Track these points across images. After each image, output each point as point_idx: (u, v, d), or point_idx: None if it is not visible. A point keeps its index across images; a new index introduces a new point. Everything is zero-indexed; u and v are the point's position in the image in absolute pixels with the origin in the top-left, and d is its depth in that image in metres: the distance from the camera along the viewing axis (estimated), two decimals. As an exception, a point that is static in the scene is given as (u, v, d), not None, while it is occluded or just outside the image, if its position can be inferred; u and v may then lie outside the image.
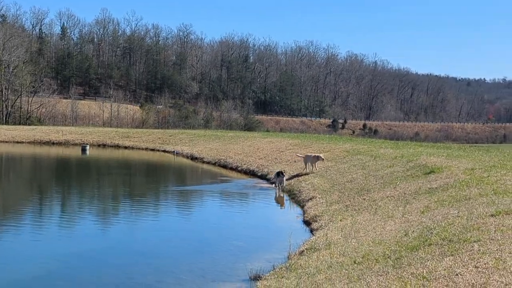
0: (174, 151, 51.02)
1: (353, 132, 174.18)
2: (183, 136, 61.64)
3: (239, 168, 35.80)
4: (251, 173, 33.41)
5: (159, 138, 63.06)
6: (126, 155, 53.40)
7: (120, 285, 11.73)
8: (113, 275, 12.55)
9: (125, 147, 59.94)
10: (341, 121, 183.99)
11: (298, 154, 31.48)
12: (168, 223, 19.59)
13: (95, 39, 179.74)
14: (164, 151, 54.38)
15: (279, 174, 26.18)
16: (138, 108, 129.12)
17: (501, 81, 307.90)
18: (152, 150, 56.74)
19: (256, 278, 11.41)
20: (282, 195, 24.89)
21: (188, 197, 26.28)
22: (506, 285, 7.20)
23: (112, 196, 27.33)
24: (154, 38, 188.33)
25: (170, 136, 63.63)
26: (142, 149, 58.05)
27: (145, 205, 23.83)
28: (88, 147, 54.69)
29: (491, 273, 7.76)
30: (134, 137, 65.57)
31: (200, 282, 11.84)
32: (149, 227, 18.71)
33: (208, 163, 41.33)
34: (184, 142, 57.26)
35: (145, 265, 13.29)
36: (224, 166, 38.20)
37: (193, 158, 45.50)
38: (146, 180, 34.59)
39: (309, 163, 28.19)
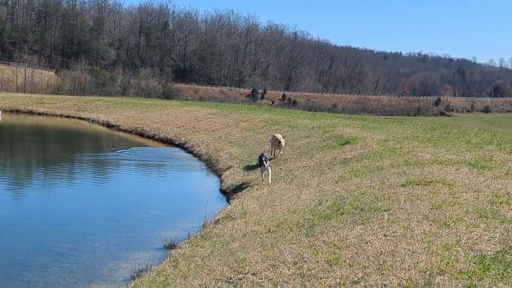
0: (89, 118, 49.96)
1: (273, 102, 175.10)
2: (99, 103, 60.40)
3: (156, 137, 35.48)
4: (169, 142, 33.18)
5: (75, 104, 61.58)
6: (40, 122, 51.99)
7: (31, 253, 11.50)
8: (25, 242, 12.29)
9: (39, 114, 58.27)
10: (260, 91, 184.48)
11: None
12: (83, 191, 19.26)
13: (9, 1, 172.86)
14: (80, 118, 53.16)
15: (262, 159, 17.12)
16: (54, 74, 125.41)
17: (417, 55, 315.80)
18: (67, 117, 55.37)
19: (171, 246, 11.39)
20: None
21: (104, 166, 25.88)
22: (413, 252, 7.44)
23: (26, 163, 26.62)
24: (71, 2, 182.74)
25: (86, 103, 62.24)
26: (57, 115, 56.56)
27: (59, 173, 23.33)
28: (0, 113, 52.88)
29: (399, 241, 8.00)
30: (49, 104, 63.80)
31: (114, 250, 11.73)
32: (63, 195, 18.36)
33: (125, 131, 40.73)
34: (100, 109, 56.12)
35: (58, 233, 13.07)
36: (141, 134, 37.75)
37: (109, 125, 44.71)
38: (61, 148, 33.82)
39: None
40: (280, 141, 20.72)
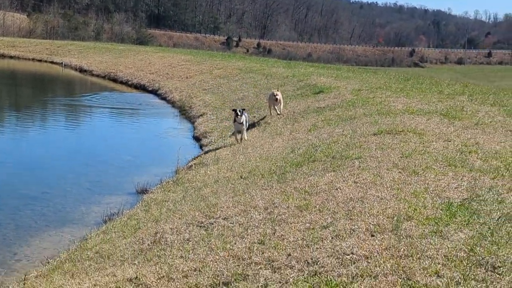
0: (62, 63, 49.27)
1: (247, 50, 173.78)
2: (72, 48, 59.52)
3: (129, 83, 35.17)
4: (142, 88, 32.94)
5: (47, 49, 60.63)
6: (11, 65, 51.20)
7: (3, 196, 11.49)
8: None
9: (11, 57, 57.32)
10: (235, 39, 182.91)
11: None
12: (55, 136, 19.14)
13: None
14: (52, 62, 52.37)
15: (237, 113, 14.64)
16: (26, 17, 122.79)
17: (392, 5, 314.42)
18: (39, 61, 54.54)
19: (143, 191, 11.43)
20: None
21: (76, 110, 25.68)
22: (382, 199, 7.56)
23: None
24: None
25: (58, 47, 61.29)
26: (29, 59, 55.69)
27: (31, 117, 23.14)
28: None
29: (369, 188, 8.11)
30: (21, 47, 62.73)
31: (86, 194, 11.75)
32: (35, 139, 18.24)
33: (98, 76, 40.29)
34: (73, 54, 55.32)
35: (29, 177, 13.03)
36: (114, 80, 37.38)
37: (82, 70, 44.16)
38: (33, 92, 33.40)
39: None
40: (276, 97, 17.30)
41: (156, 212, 9.37)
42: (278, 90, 17.90)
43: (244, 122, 14.58)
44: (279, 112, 17.60)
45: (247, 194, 9.02)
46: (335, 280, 5.20)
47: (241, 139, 14.59)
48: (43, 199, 11.31)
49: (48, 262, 8.00)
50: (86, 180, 12.77)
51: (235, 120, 14.45)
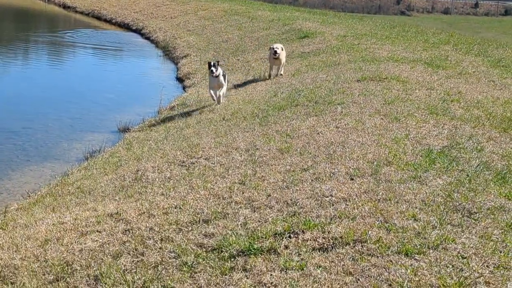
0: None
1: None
2: (55, -17, 58.28)
3: (113, 21, 34.62)
4: (126, 27, 32.47)
5: (29, -17, 59.32)
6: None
7: (-17, 132, 11.41)
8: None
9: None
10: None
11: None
12: (37, 72, 18.93)
13: None
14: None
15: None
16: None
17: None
18: (22, -5, 53.42)
19: (125, 130, 11.41)
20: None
21: (59, 47, 25.34)
22: (363, 144, 7.61)
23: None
24: None
25: (41, -18, 59.99)
26: (11, -6, 54.51)
27: (14, 52, 22.78)
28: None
29: (350, 133, 8.16)
30: (2, -19, 61.29)
31: (68, 131, 11.72)
32: (17, 74, 18.06)
33: (81, 13, 39.56)
34: (56, -11, 54.20)
35: (11, 112, 12.96)
36: (98, 18, 36.76)
37: (65, 6, 43.29)
38: (16, 27, 32.81)
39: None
40: (276, 51, 13.97)
41: (138, 150, 9.39)
42: (279, 45, 14.36)
43: (221, 77, 12.01)
44: (281, 73, 14.50)
45: (229, 135, 9.05)
46: (313, 221, 5.27)
47: (219, 97, 12.06)
48: (24, 134, 11.26)
49: (29, 196, 8.03)
50: (68, 117, 12.71)
51: (211, 73, 11.88)
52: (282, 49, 14.17)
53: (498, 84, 11.67)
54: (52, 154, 10.30)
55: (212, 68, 11.76)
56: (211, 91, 12.04)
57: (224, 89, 12.21)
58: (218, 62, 12.24)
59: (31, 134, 11.26)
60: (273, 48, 13.98)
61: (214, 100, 12.08)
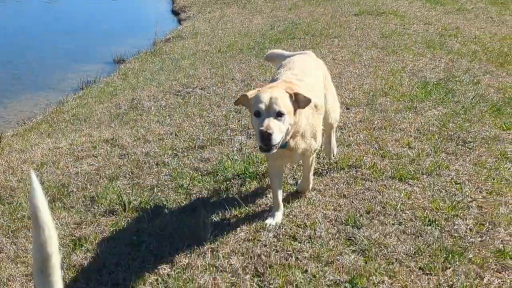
0: None
1: None
2: None
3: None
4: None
5: None
6: None
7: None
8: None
9: None
10: None
11: None
12: (32, 3, 18.59)
13: None
14: None
15: None
16: None
17: None
18: None
19: (120, 61, 11.30)
20: None
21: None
22: (359, 75, 7.60)
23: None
24: None
25: None
26: None
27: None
28: None
29: (347, 65, 8.13)
30: None
31: (63, 62, 11.59)
32: (11, 6, 17.73)
33: None
34: None
35: (5, 43, 12.82)
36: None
37: None
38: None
39: None
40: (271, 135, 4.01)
41: (133, 80, 9.33)
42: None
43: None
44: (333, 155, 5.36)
45: (224, 67, 8.99)
46: (309, 147, 5.29)
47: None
48: (19, 64, 11.14)
49: (24, 123, 8.01)
50: (62, 48, 12.56)
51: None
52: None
53: (496, 20, 11.56)
54: (47, 84, 10.22)
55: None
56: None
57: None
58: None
59: (26, 65, 11.14)
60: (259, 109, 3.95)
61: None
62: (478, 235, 3.87)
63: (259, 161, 5.09)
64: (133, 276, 3.61)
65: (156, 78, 9.06)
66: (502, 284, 3.38)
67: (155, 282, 3.53)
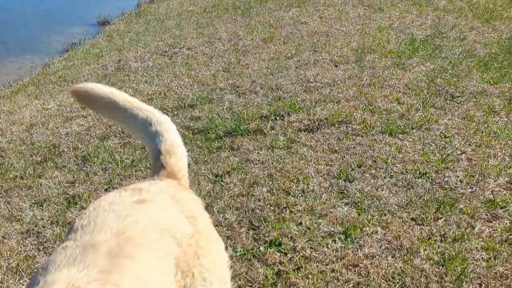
0: None
1: None
2: None
3: None
4: None
5: None
6: None
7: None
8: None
9: None
10: None
11: None
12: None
13: None
14: None
15: None
16: None
17: None
18: None
19: (105, 23, 11.16)
20: None
21: None
22: (346, 33, 7.60)
23: None
24: None
25: None
26: None
27: None
28: None
29: (334, 23, 8.12)
30: None
31: (47, 24, 11.41)
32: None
33: None
34: None
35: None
36: None
37: None
38: None
39: None
40: None
41: (118, 41, 9.25)
42: None
43: None
44: None
45: (211, 26, 8.95)
46: (298, 104, 5.32)
47: None
48: (2, 27, 11.00)
49: (11, 86, 7.93)
50: (45, 10, 12.39)
51: None
52: None
53: (481, -23, 11.55)
54: (32, 47, 10.09)
55: None
56: None
57: None
58: None
59: (9, 27, 11.00)
60: None
61: None
62: (469, 186, 3.93)
63: (250, 119, 5.10)
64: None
65: (141, 39, 9.00)
66: (493, 233, 3.44)
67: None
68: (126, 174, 4.36)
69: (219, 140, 4.80)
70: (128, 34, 9.71)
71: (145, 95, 6.10)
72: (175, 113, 5.48)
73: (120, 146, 4.88)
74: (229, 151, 4.59)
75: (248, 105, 5.46)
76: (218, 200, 3.87)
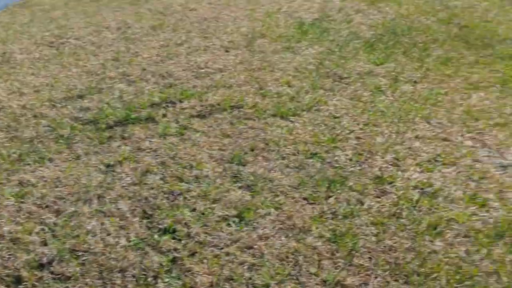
0: None
1: None
2: None
3: None
4: None
5: None
6: None
7: None
8: None
9: None
10: None
11: None
12: None
13: None
14: None
15: None
16: None
17: None
18: None
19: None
20: None
21: None
22: (236, 19, 7.63)
23: None
24: None
25: None
26: None
27: None
28: None
29: (223, 9, 8.14)
30: None
31: None
32: None
33: None
34: None
35: None
36: None
37: None
38: None
39: None
40: None
41: (2, 34, 8.87)
42: None
43: None
44: None
45: (98, 15, 8.75)
46: (190, 91, 5.30)
47: None
48: None
49: None
50: None
51: None
52: None
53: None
54: None
55: None
56: None
57: None
58: None
59: None
60: None
61: None
62: (358, 164, 4.04)
63: (141, 107, 5.03)
64: (18, 227, 3.51)
65: (27, 31, 8.67)
66: (381, 208, 3.55)
67: (41, 232, 3.46)
68: (13, 169, 4.20)
69: (110, 129, 4.71)
70: (12, 25, 9.33)
71: (32, 87, 5.89)
72: (64, 104, 5.33)
73: (7, 141, 4.70)
74: (120, 140, 4.51)
75: (139, 93, 5.39)
76: (110, 191, 3.80)
